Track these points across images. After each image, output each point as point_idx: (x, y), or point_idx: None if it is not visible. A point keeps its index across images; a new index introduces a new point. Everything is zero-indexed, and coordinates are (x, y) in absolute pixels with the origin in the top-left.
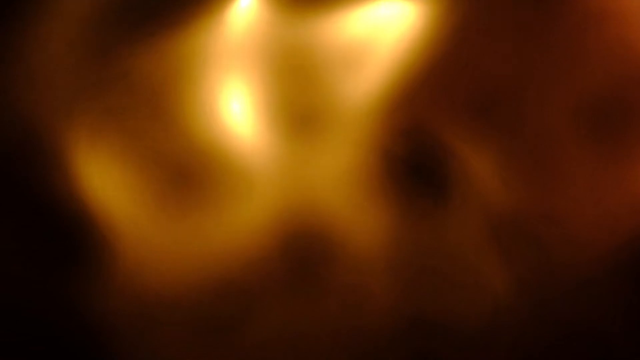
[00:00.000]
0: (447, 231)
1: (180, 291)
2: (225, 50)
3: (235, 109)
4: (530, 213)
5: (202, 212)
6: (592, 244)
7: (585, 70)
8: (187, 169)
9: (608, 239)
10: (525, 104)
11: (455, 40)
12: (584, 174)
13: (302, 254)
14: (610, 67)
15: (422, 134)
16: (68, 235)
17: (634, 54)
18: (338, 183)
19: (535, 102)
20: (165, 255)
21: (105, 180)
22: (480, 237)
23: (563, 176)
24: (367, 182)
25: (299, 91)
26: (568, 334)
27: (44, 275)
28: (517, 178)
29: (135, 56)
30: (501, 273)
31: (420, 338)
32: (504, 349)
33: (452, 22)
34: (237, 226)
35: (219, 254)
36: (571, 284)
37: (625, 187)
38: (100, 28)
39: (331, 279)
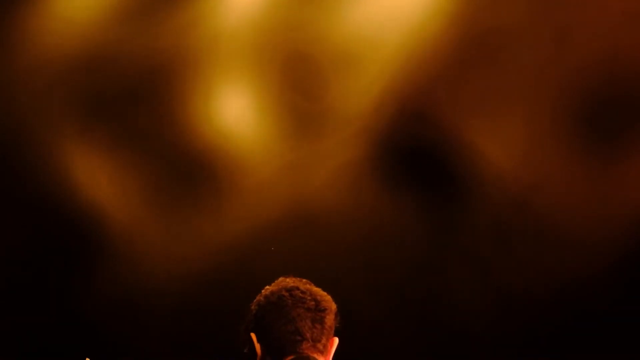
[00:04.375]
0: (456, 223)
1: (175, 281)
2: (225, 48)
3: (235, 106)
4: (535, 205)
5: (200, 207)
6: (592, 233)
7: (589, 69)
8: (186, 166)
9: (608, 229)
10: (532, 100)
11: (462, 36)
12: (588, 168)
13: (301, 248)
14: (611, 65)
15: (430, 128)
16: (67, 231)
17: (631, 51)
18: (338, 179)
19: (542, 98)
20: (163, 249)
21: (103, 179)
22: (486, 227)
23: (568, 169)
24: (369, 177)
25: (300, 89)
26: (570, 320)
27: (43, 269)
28: (525, 170)
29: (134, 55)
30: (506, 263)
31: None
32: (510, 336)
33: (458, 18)
34: (236, 221)
35: (215, 247)
36: (574, 275)
37: (624, 183)
38: (97, 28)
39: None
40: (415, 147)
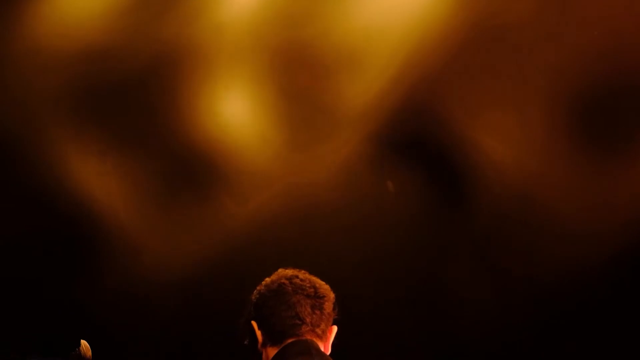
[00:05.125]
0: (458, 218)
1: (177, 275)
2: (227, 41)
3: (237, 99)
4: (537, 198)
5: (202, 202)
6: (590, 232)
7: (592, 65)
8: (188, 160)
9: (610, 221)
10: (534, 99)
11: (466, 32)
12: (589, 161)
13: (300, 242)
14: (607, 60)
15: (432, 123)
16: (70, 228)
17: (626, 49)
18: (340, 173)
19: (544, 93)
20: (165, 243)
21: (105, 173)
22: (488, 221)
23: (570, 162)
24: (372, 171)
25: (302, 83)
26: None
27: (46, 266)
28: (527, 164)
29: (134, 49)
30: (508, 256)
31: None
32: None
33: (462, 14)
34: (237, 216)
35: (217, 241)
36: (571, 272)
37: (626, 176)
38: (97, 22)
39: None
40: (417, 141)
